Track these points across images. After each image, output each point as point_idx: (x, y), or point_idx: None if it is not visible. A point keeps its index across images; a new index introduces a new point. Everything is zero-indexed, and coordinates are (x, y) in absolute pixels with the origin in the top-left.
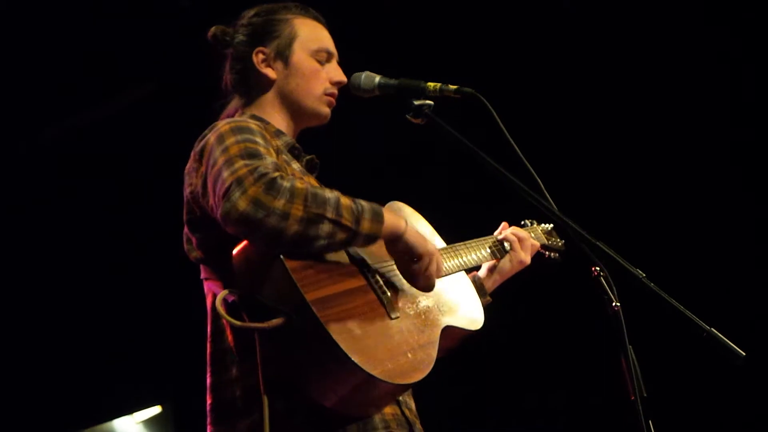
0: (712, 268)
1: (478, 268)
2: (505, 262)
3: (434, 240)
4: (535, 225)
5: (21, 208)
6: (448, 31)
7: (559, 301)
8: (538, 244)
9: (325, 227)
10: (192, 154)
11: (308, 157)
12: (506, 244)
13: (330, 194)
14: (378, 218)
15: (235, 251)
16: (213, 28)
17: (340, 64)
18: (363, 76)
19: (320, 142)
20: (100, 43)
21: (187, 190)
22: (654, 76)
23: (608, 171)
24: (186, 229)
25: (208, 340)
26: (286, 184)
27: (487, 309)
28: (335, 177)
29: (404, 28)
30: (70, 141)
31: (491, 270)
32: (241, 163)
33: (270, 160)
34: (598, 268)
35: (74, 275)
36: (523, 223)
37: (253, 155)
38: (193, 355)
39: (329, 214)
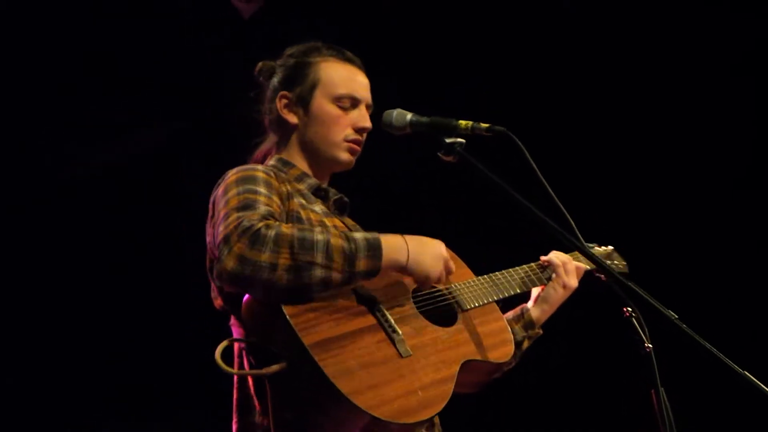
0: (745, 307)
1: (523, 295)
2: (550, 290)
3: (462, 272)
4: (595, 248)
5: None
6: (447, 31)
7: (590, 342)
8: (583, 266)
9: (317, 272)
10: (209, 203)
11: (336, 197)
12: (549, 270)
13: (320, 236)
14: (375, 253)
15: (243, 301)
16: (260, 64)
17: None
18: (395, 113)
19: (349, 176)
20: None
21: (207, 239)
22: (673, 90)
23: (637, 208)
24: (209, 277)
25: (235, 386)
26: (270, 233)
27: (536, 342)
28: (362, 211)
29: (404, 29)
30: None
31: (538, 300)
32: (234, 216)
33: (263, 209)
34: (629, 309)
35: (93, 289)
36: None
37: (247, 206)
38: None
39: (319, 260)
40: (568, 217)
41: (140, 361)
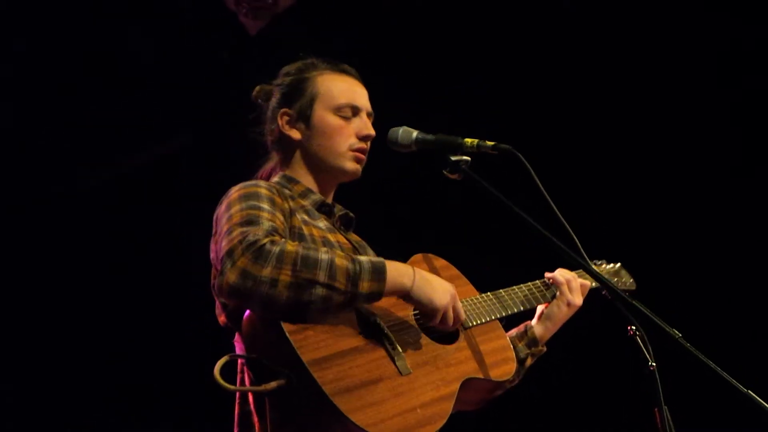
0: (750, 325)
1: (527, 312)
2: (553, 307)
3: (465, 289)
4: (603, 265)
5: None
6: (447, 32)
7: (594, 359)
8: (588, 284)
9: (318, 291)
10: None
11: (341, 213)
12: (553, 287)
13: (325, 255)
14: (379, 277)
15: (244, 317)
16: (257, 88)
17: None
18: (400, 131)
19: (353, 190)
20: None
21: (211, 256)
22: (676, 98)
23: (642, 224)
24: (213, 293)
25: (236, 402)
26: (275, 249)
27: (539, 359)
28: (367, 224)
29: (404, 28)
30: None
31: (541, 317)
32: (237, 231)
33: (267, 225)
34: (634, 327)
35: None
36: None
37: (251, 222)
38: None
39: (321, 278)
40: (573, 234)
41: (140, 361)
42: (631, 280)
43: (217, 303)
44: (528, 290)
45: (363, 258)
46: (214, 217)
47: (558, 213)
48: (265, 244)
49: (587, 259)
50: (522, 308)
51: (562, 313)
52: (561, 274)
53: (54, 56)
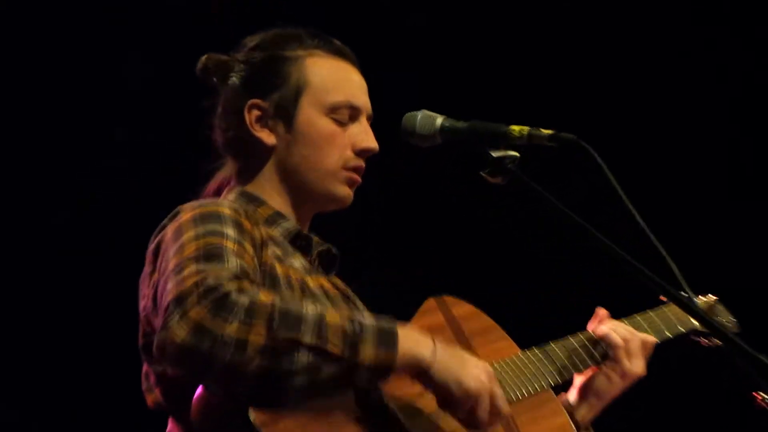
0: None
1: (568, 382)
2: (602, 379)
3: (503, 345)
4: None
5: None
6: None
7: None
8: (652, 340)
9: (302, 358)
10: (147, 253)
11: (322, 248)
12: (604, 346)
13: (311, 309)
14: (388, 342)
15: (194, 397)
16: (204, 58)
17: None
18: (419, 116)
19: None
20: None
21: (140, 304)
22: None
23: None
24: (143, 359)
25: None
26: (242, 299)
27: None
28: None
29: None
30: None
31: (584, 391)
32: (192, 269)
33: (234, 263)
34: (764, 395)
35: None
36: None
37: (212, 256)
38: None
39: (307, 338)
40: (666, 255)
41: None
42: (734, 321)
43: (147, 374)
44: (575, 349)
45: (367, 316)
46: (151, 248)
47: (646, 228)
48: (230, 293)
49: (690, 293)
50: (579, 372)
51: (615, 387)
52: (615, 331)
53: (47, 81)
